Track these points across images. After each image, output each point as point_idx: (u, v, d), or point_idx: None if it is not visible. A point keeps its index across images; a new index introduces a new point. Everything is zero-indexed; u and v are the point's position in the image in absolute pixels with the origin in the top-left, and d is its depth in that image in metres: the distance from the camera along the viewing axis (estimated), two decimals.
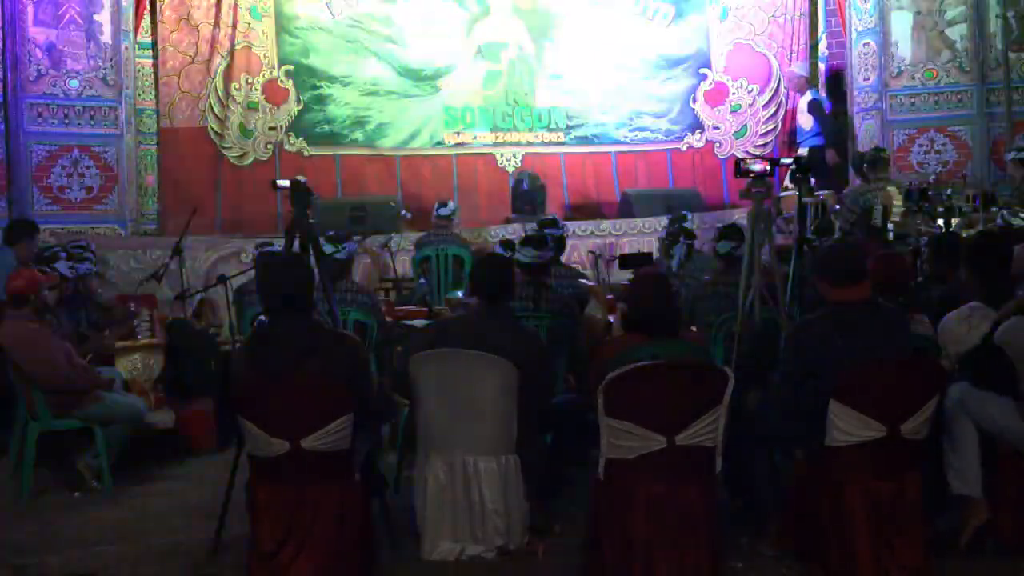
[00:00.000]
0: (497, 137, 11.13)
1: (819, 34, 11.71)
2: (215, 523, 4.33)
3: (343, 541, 3.84)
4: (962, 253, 4.78)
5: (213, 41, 10.24)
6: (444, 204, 9.13)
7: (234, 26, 10.32)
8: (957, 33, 10.32)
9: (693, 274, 6.44)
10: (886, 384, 3.77)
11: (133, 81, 9.86)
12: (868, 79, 10.80)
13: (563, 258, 7.34)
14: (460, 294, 7.09)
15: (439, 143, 11.01)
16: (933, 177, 9.61)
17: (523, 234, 6.92)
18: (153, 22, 10.15)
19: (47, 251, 6.38)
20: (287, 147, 10.56)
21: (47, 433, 5.34)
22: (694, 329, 5.09)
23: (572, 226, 9.89)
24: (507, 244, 7.37)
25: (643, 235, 9.88)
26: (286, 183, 5.22)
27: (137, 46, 9.99)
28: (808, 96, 11.02)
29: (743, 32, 11.68)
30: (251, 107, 10.41)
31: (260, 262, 6.40)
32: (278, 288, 3.96)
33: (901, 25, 10.53)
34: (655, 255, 8.34)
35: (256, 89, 10.45)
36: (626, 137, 11.46)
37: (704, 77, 11.68)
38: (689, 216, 8.12)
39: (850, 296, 3.94)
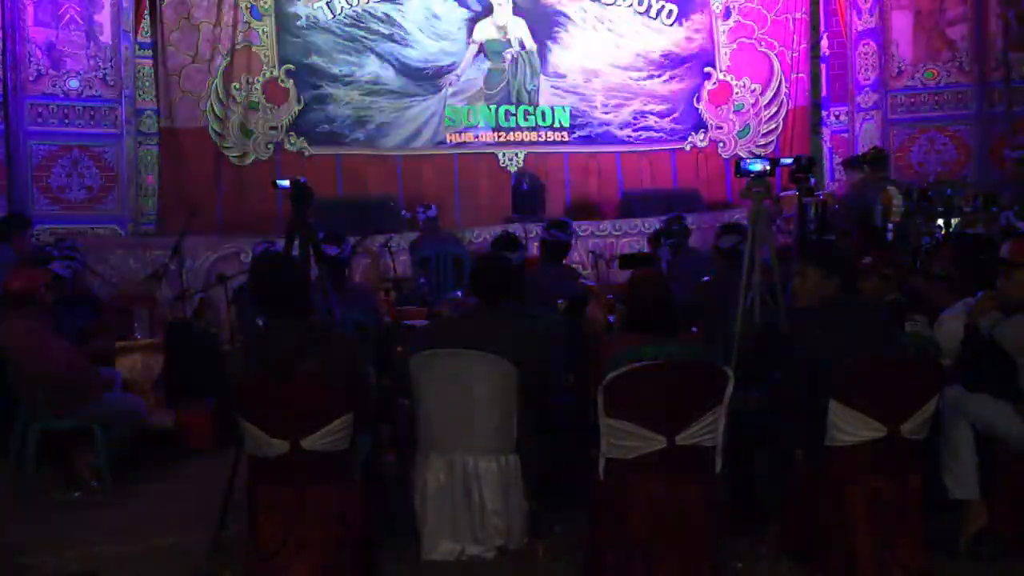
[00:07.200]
0: (499, 137, 11.13)
1: (819, 34, 11.71)
2: (215, 523, 4.33)
3: (343, 541, 3.84)
4: (951, 254, 4.78)
5: (213, 41, 10.25)
6: (428, 207, 9.16)
7: (234, 26, 10.33)
8: (957, 33, 10.32)
9: (681, 275, 6.39)
10: (886, 384, 3.77)
11: (133, 81, 9.88)
12: (868, 79, 10.80)
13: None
14: (460, 294, 7.08)
15: (440, 143, 11.01)
16: (933, 177, 9.60)
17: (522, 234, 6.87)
18: (153, 22, 10.17)
19: (40, 252, 6.38)
20: (288, 147, 10.57)
21: (47, 433, 5.34)
22: (694, 330, 5.08)
23: (572, 226, 9.88)
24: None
25: (643, 235, 9.86)
26: (287, 183, 5.22)
27: (137, 46, 10.00)
28: None
29: (746, 31, 11.68)
30: (251, 107, 10.42)
31: (253, 264, 6.40)
32: (271, 289, 3.97)
33: (901, 25, 10.53)
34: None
35: (256, 89, 10.46)
36: (629, 137, 11.46)
37: (708, 76, 11.68)
38: (685, 217, 8.08)
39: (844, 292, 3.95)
